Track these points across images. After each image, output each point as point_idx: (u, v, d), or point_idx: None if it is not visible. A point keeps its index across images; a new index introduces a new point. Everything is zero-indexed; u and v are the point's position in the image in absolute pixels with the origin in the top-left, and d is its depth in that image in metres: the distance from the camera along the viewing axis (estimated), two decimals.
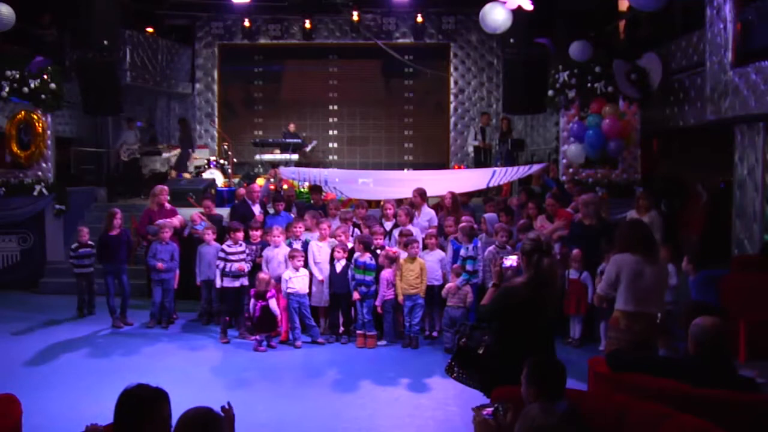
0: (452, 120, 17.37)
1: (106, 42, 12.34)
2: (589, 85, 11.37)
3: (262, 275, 8.07)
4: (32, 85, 11.54)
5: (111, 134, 15.06)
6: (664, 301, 5.44)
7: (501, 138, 15.01)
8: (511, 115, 15.06)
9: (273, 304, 8.05)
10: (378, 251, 8.40)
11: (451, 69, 17.35)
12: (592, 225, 8.28)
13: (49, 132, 11.92)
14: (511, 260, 4.76)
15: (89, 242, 9.58)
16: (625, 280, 5.17)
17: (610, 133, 10.99)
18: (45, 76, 11.61)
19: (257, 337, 8.07)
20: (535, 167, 11.48)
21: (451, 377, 4.82)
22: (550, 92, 11.71)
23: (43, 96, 11.63)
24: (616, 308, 5.24)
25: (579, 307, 8.02)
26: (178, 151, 15.26)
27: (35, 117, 11.68)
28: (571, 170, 11.63)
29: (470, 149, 15.51)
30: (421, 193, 9.61)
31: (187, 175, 14.63)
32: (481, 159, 15.14)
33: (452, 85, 17.37)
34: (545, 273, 4.44)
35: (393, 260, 8.22)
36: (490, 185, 11.37)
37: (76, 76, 12.70)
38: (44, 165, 11.95)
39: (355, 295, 8.11)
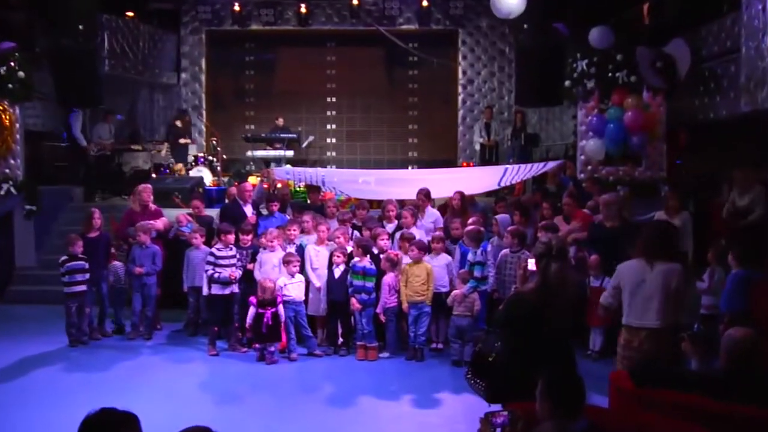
0: (460, 113, 17.36)
1: (81, 27, 12.18)
2: (609, 74, 11.34)
3: (267, 283, 8.05)
4: None
5: (88, 128, 15.02)
6: (673, 311, 5.20)
7: (513, 133, 15.01)
8: (524, 108, 15.05)
9: (281, 310, 8.06)
10: (381, 255, 8.39)
11: (460, 58, 17.34)
12: (613, 227, 8.27)
13: (17, 125, 11.82)
14: (533, 263, 4.76)
15: (82, 255, 8.82)
16: (626, 290, 5.18)
17: (632, 127, 10.97)
18: (12, 64, 11.47)
19: (257, 346, 8.08)
20: (551, 164, 11.47)
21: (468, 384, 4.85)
22: (567, 83, 11.69)
23: (10, 86, 11.52)
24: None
25: (603, 318, 7.99)
26: (165, 146, 15.21)
27: (1, 108, 11.58)
28: (589, 167, 11.60)
29: (476, 146, 15.53)
30: (425, 194, 9.62)
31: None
32: (486, 157, 15.16)
33: (460, 75, 17.36)
34: (553, 279, 4.44)
35: (395, 264, 8.22)
36: (502, 185, 11.36)
37: (49, 64, 12.43)
38: (12, 161, 11.83)
39: (355, 304, 8.10)
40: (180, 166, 14.76)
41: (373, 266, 8.20)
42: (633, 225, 8.54)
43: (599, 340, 8.08)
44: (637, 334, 5.10)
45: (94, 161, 14.40)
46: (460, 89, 17.40)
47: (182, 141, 15.41)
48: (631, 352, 5.13)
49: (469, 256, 8.12)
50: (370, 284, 8.13)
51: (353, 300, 8.14)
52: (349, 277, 8.21)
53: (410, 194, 10.01)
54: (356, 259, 8.23)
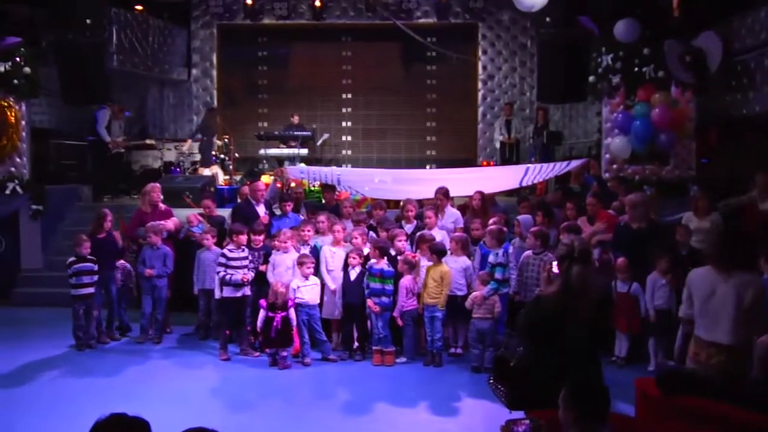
0: (480, 110, 17.32)
1: (89, 21, 12.22)
2: (636, 69, 11.29)
3: (280, 288, 8.05)
4: (2, 69, 11.51)
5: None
6: (747, 327, 4.86)
7: (535, 130, 14.97)
8: (547, 104, 15.00)
9: (293, 314, 8.09)
10: (398, 256, 8.40)
11: (480, 52, 17.30)
12: (640, 229, 8.22)
13: (23, 122, 11.95)
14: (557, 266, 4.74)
15: (90, 257, 8.85)
16: (696, 300, 4.96)
17: (660, 124, 10.91)
18: (17, 59, 11.57)
19: (268, 351, 8.10)
20: (574, 163, 11.42)
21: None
22: (592, 78, 11.64)
23: (15, 81, 11.63)
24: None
25: (630, 325, 7.97)
26: (188, 142, 15.22)
27: (6, 105, 11.70)
28: (615, 166, 11.55)
29: (497, 144, 15.50)
30: (444, 193, 9.62)
31: (215, 169, 14.72)
32: (506, 155, 15.15)
33: (480, 70, 17.32)
34: (574, 283, 4.41)
35: (413, 266, 8.21)
36: (523, 184, 11.34)
37: (55, 59, 12.54)
38: (18, 160, 11.96)
39: (374, 307, 8.09)
40: (215, 169, 14.78)
41: (391, 268, 8.20)
42: (660, 226, 8.51)
43: (625, 346, 8.04)
44: (706, 348, 4.88)
45: (110, 159, 14.47)
46: (480, 85, 17.36)
47: (218, 141, 15.37)
48: (700, 366, 4.90)
49: (490, 258, 8.10)
50: (389, 287, 8.12)
51: (372, 302, 8.12)
52: (365, 279, 8.22)
53: (428, 193, 10.00)
54: (373, 260, 8.23)
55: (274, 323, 7.93)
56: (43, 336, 9.37)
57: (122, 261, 9.53)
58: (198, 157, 15.28)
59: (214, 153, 15.45)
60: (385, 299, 8.10)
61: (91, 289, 8.82)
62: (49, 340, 9.11)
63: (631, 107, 11.28)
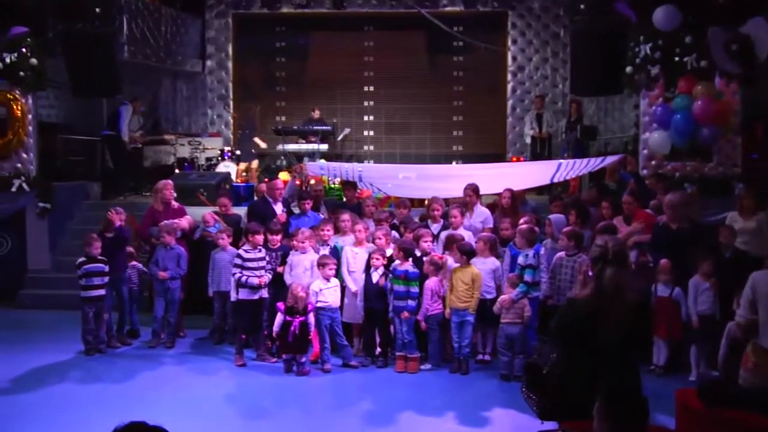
0: (510, 103, 17.26)
1: (98, 10, 12.30)
2: (677, 58, 11.19)
3: (299, 291, 8.05)
4: (8, 60, 11.62)
5: (105, 119, 15.21)
6: None
7: (568, 125, 14.90)
8: (580, 97, 14.92)
9: (312, 319, 8.10)
10: (424, 257, 8.39)
11: (509, 42, 17.23)
12: (680, 229, 8.15)
13: (30, 116, 12.05)
14: None
15: (100, 256, 8.89)
16: (761, 305, 4.85)
17: (702, 118, 10.81)
18: (24, 50, 11.65)
19: (284, 357, 8.12)
20: (610, 159, 11.35)
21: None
22: (629, 69, 11.55)
23: (22, 73, 11.71)
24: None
25: (671, 331, 7.90)
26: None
27: (12, 98, 11.80)
28: (653, 163, 11.46)
29: (527, 140, 15.45)
30: (474, 190, 9.59)
31: (252, 166, 14.80)
32: (537, 151, 15.11)
33: (510, 61, 17.26)
34: (608, 286, 4.39)
35: (440, 268, 8.20)
36: (555, 181, 11.28)
37: (63, 50, 12.57)
38: (24, 155, 12.09)
39: (404, 314, 8.05)
40: (255, 164, 14.88)
41: (416, 269, 8.20)
42: (702, 227, 8.43)
43: (664, 353, 7.97)
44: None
45: (127, 155, 14.57)
46: (509, 77, 17.29)
47: (259, 141, 15.45)
48: (761, 379, 4.77)
49: (520, 259, 8.06)
50: (414, 289, 8.10)
51: (395, 302, 8.10)
52: (388, 281, 8.22)
53: (455, 191, 9.97)
54: (396, 262, 8.22)
55: (292, 328, 7.94)
56: (50, 340, 9.46)
57: (135, 262, 9.61)
58: (214, 153, 15.36)
59: (228, 148, 15.54)
60: (410, 303, 8.08)
61: (102, 291, 8.88)
62: (56, 344, 9.18)
63: (671, 100, 11.18)
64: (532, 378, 4.68)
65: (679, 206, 8.24)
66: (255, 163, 15.20)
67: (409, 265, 8.17)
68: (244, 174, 14.75)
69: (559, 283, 7.94)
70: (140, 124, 15.00)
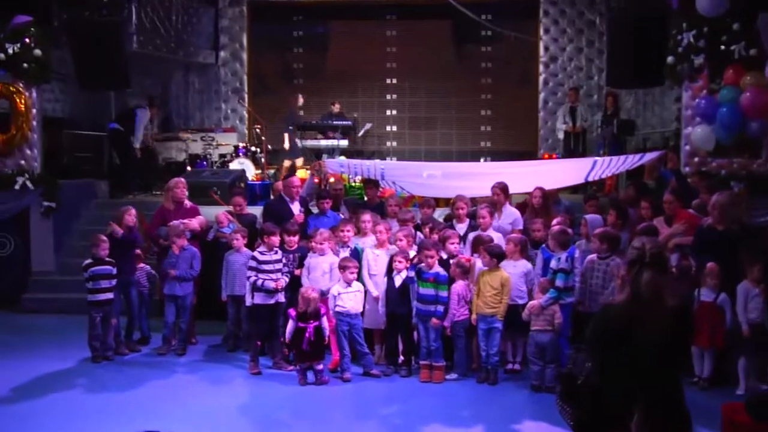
0: (542, 96, 17.21)
1: None
2: (723, 47, 11.07)
3: (310, 293, 8.04)
4: (11, 51, 11.65)
5: (114, 114, 15.29)
6: None
7: (604, 119, 14.83)
8: (617, 89, 14.82)
9: (326, 323, 8.09)
10: (450, 260, 8.36)
11: (541, 31, 17.19)
12: (726, 231, 8.06)
13: (34, 111, 12.08)
14: None
15: (108, 258, 8.92)
16: None
17: (751, 110, 10.69)
18: (27, 40, 11.68)
19: (298, 366, 8.10)
20: (649, 156, 11.26)
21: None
22: (671, 59, 11.44)
23: (25, 65, 11.75)
24: None
25: (714, 339, 7.81)
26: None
27: (15, 91, 11.85)
28: (696, 159, 11.35)
29: (560, 135, 15.39)
30: (502, 188, 9.54)
31: (297, 163, 14.83)
32: (571, 147, 15.05)
33: (542, 51, 17.21)
34: (644, 290, 4.35)
35: (467, 271, 8.18)
36: (590, 179, 11.20)
37: (68, 40, 12.44)
38: (29, 152, 12.12)
39: (435, 321, 8.02)
40: (300, 161, 14.92)
41: (446, 273, 8.17)
42: (750, 229, 8.34)
43: (708, 365, 7.88)
44: None
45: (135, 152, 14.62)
46: (541, 68, 17.24)
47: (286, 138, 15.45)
48: None
49: (552, 263, 8.02)
50: (443, 294, 8.07)
51: (422, 306, 8.08)
52: (415, 286, 8.18)
53: (483, 190, 9.94)
54: (422, 264, 8.19)
55: (307, 335, 7.91)
56: (55, 346, 9.51)
57: (144, 264, 9.65)
58: (228, 149, 15.41)
59: (243, 144, 15.59)
60: (439, 308, 8.05)
61: (110, 295, 8.90)
62: (61, 351, 9.23)
63: (717, 91, 11.07)
64: (568, 389, 4.64)
65: (726, 206, 8.14)
66: (300, 161, 15.21)
67: (439, 268, 8.14)
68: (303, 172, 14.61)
69: (589, 288, 7.89)
70: (154, 123, 15.05)
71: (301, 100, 15.64)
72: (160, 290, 9.63)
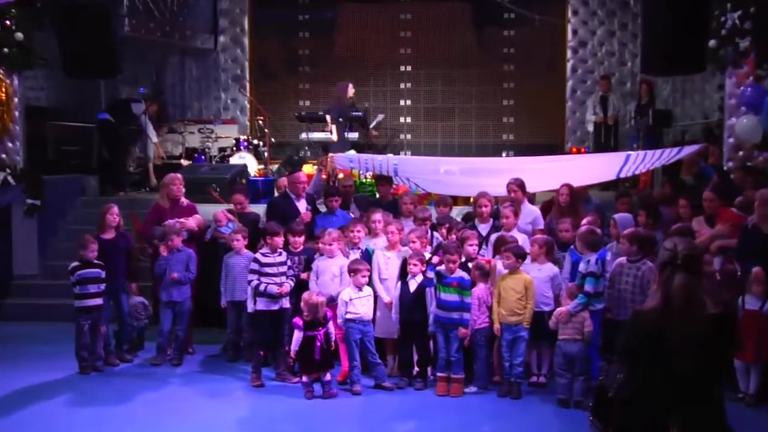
0: (569, 84, 17.21)
1: None
2: None
3: (314, 298, 8.01)
4: None
5: (104, 104, 15.30)
6: None
7: (638, 109, 14.79)
8: (653, 76, 14.80)
9: (332, 328, 8.09)
10: (469, 263, 8.35)
11: (569, 13, 17.21)
12: None
13: (16, 100, 12.08)
14: None
15: (98, 261, 8.93)
16: None
17: None
18: (8, 23, 11.63)
19: (305, 379, 8.07)
20: (688, 150, 11.21)
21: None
22: (713, 42, 11.41)
23: (6, 50, 11.70)
24: None
25: (760, 352, 7.76)
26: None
27: None
28: (741, 153, 11.34)
29: (589, 127, 15.35)
30: (519, 185, 9.52)
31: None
32: (602, 140, 15.02)
33: (570, 35, 17.24)
34: (676, 295, 4.33)
35: (488, 274, 8.19)
36: (622, 176, 11.19)
37: (53, 24, 12.30)
38: (10, 144, 12.10)
39: (463, 331, 7.99)
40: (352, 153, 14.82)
41: (469, 277, 8.15)
42: None
43: (755, 379, 7.82)
44: None
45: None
46: (569, 54, 17.25)
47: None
48: None
49: (581, 266, 7.98)
50: (468, 300, 8.04)
51: (452, 321, 8.05)
52: (437, 291, 8.15)
53: (505, 188, 9.92)
54: (442, 267, 8.17)
55: (318, 343, 7.89)
56: (39, 357, 9.50)
57: (139, 297, 9.63)
58: (228, 142, 15.43)
59: (244, 137, 15.62)
60: (465, 315, 8.01)
61: (99, 300, 8.89)
62: (46, 361, 9.22)
63: (764, 78, 11.04)
64: (599, 404, 4.63)
65: None
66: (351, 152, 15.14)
67: (462, 271, 8.11)
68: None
69: (618, 293, 7.84)
70: (156, 135, 15.07)
71: (351, 90, 15.41)
72: (155, 297, 9.63)
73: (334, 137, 14.80)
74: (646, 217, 8.86)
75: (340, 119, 14.84)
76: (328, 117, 14.84)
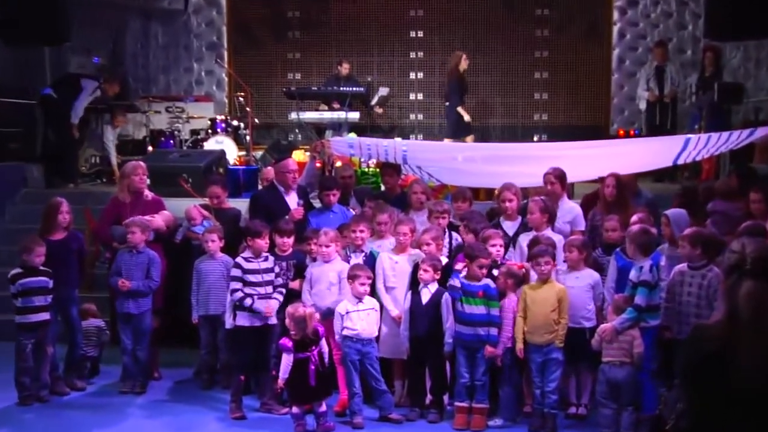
0: (616, 53, 17.24)
1: None
2: None
3: (300, 309, 7.96)
4: None
5: (49, 78, 15.30)
6: None
7: (701, 83, 14.76)
8: (719, 42, 14.79)
9: (325, 347, 8.05)
10: (495, 268, 8.37)
11: None
12: None
13: None
14: None
15: (44, 268, 8.86)
16: None
17: None
18: None
19: (295, 410, 8.06)
20: (761, 132, 11.21)
21: None
22: None
23: None
24: None
25: None
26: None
27: None
28: None
29: (641, 105, 15.33)
30: (558, 176, 9.52)
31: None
32: (656, 121, 15.02)
33: None
34: (741, 306, 4.36)
35: (521, 281, 8.20)
36: (680, 162, 11.18)
37: None
38: None
39: (491, 350, 8.04)
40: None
41: (495, 286, 8.18)
42: None
43: None
44: None
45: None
46: (615, 15, 17.27)
47: (463, 111, 15.43)
48: None
49: (632, 273, 7.98)
50: (496, 312, 8.07)
51: (477, 338, 8.08)
52: (457, 303, 8.16)
53: (536, 178, 9.92)
54: (462, 274, 8.19)
55: (312, 366, 7.87)
56: None
57: (93, 318, 9.64)
58: (202, 124, 15.45)
59: (221, 117, 15.64)
60: (493, 332, 8.04)
61: (45, 315, 8.84)
62: None
63: None
64: None
65: None
66: (470, 139, 15.18)
67: (488, 280, 8.14)
68: None
69: (679, 307, 7.84)
70: (115, 141, 15.06)
71: (465, 61, 15.52)
72: (112, 311, 9.64)
73: (467, 117, 14.89)
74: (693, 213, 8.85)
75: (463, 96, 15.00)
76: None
